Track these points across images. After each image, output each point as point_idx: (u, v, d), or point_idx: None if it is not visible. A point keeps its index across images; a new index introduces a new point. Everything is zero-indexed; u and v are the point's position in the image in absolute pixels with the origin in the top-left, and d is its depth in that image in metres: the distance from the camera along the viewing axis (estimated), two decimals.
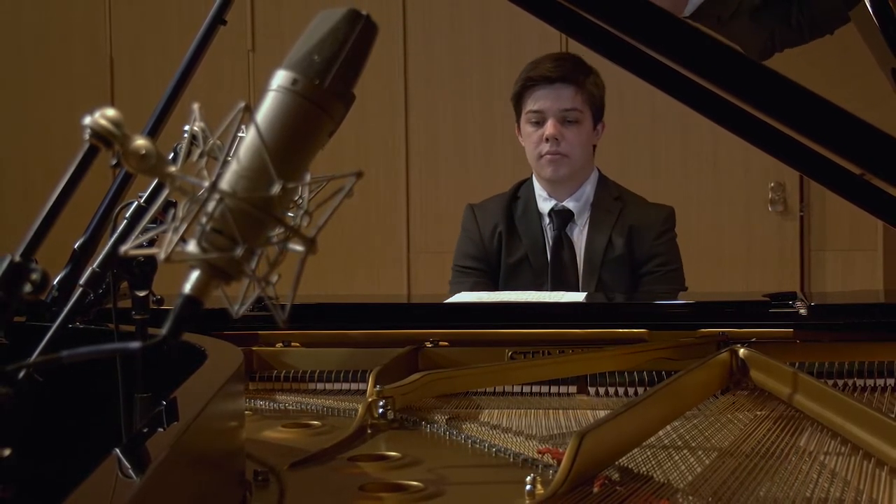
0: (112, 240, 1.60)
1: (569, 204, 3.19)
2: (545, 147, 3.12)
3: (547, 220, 3.21)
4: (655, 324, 2.28)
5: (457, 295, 2.80)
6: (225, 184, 0.86)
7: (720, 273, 5.12)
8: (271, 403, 2.07)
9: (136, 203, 1.63)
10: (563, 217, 3.19)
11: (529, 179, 3.27)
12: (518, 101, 3.19)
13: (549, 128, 3.11)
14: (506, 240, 3.22)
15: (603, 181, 3.25)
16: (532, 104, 3.14)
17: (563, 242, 3.18)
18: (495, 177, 5.30)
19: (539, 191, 3.22)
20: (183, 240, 0.85)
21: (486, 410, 1.97)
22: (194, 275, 0.86)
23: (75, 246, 1.99)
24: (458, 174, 5.48)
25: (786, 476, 1.47)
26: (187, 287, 0.86)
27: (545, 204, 3.21)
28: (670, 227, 3.22)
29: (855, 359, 2.06)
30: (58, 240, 1.19)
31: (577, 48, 4.79)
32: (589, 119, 3.15)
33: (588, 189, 3.20)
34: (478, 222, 3.27)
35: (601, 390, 2.12)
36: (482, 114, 5.43)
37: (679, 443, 1.66)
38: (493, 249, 3.24)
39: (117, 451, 1.04)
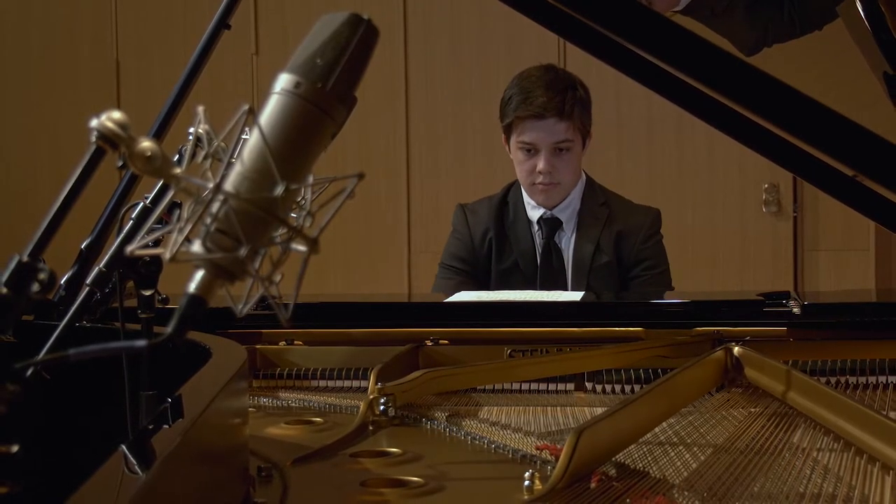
0: (118, 240, 1.60)
1: (557, 213, 3.20)
2: (538, 177, 3.12)
3: (536, 227, 3.22)
4: (652, 322, 2.30)
5: (456, 294, 2.82)
6: (229, 185, 0.87)
7: (715, 272, 5.13)
8: (274, 401, 2.09)
9: (141, 204, 1.63)
10: (551, 225, 3.20)
11: (517, 183, 3.27)
12: (508, 126, 3.16)
13: (542, 163, 3.10)
14: (496, 246, 3.23)
15: (590, 186, 3.25)
16: (523, 136, 3.11)
17: (552, 250, 3.19)
18: (494, 177, 5.28)
19: (528, 199, 3.23)
20: (188, 240, 0.85)
21: (486, 407, 1.98)
22: (199, 274, 0.86)
23: (82, 246, 2.01)
24: (457, 175, 5.49)
25: (779, 472, 1.48)
26: (192, 286, 0.86)
27: (534, 212, 3.22)
28: (656, 229, 3.23)
29: (848, 357, 2.07)
30: (65, 240, 1.20)
31: (574, 51, 4.80)
32: (579, 143, 3.14)
33: (575, 197, 3.21)
34: (469, 225, 3.28)
35: (598, 387, 2.12)
36: (481, 115, 5.43)
37: (675, 439, 1.67)
38: (482, 254, 3.25)
39: (123, 447, 1.04)
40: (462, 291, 3.00)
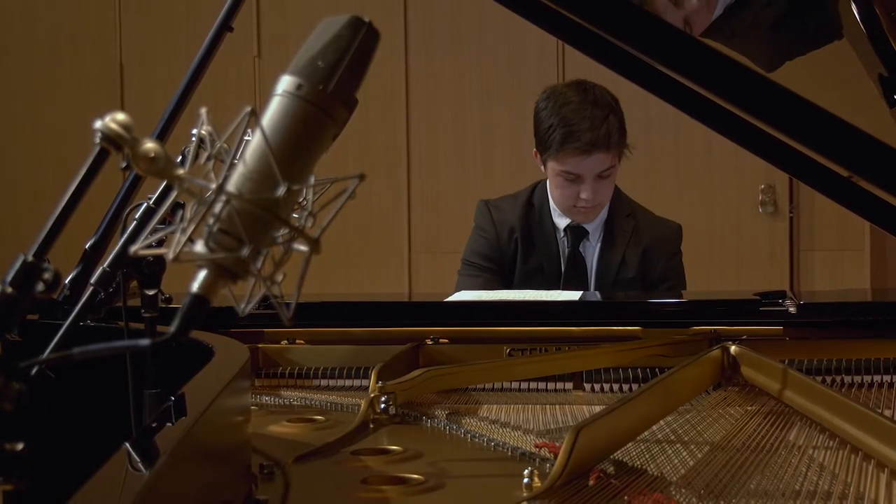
0: (122, 240, 1.60)
1: (585, 223, 3.17)
2: (581, 202, 3.08)
3: (562, 233, 3.18)
4: (649, 321, 2.31)
5: (456, 294, 2.82)
6: (232, 186, 0.87)
7: (712, 272, 5.14)
8: (276, 399, 2.10)
9: (145, 204, 1.63)
10: (577, 234, 3.17)
11: (544, 184, 3.22)
12: (551, 154, 3.07)
13: (587, 192, 3.04)
14: (522, 246, 3.20)
15: (617, 197, 3.21)
16: (568, 166, 3.04)
17: (577, 259, 3.17)
18: (495, 178, 5.33)
19: (554, 206, 3.19)
20: (191, 240, 0.85)
21: (485, 406, 1.99)
22: (202, 274, 0.86)
23: (86, 246, 2.02)
24: (458, 175, 5.50)
25: (775, 469, 1.50)
26: (195, 286, 0.86)
27: (560, 220, 3.18)
28: (678, 247, 3.22)
29: (843, 356, 2.09)
30: (69, 240, 1.21)
31: (572, 53, 4.80)
32: (618, 164, 3.10)
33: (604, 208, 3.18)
34: (494, 222, 3.23)
35: (596, 386, 2.14)
36: (481, 116, 5.45)
37: (672, 437, 1.68)
38: (508, 252, 3.21)
39: (127, 444, 1.05)
40: (491, 290, 3.00)
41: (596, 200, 3.09)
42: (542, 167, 3.16)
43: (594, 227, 3.18)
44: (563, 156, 3.03)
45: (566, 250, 3.18)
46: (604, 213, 3.18)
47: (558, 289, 3.15)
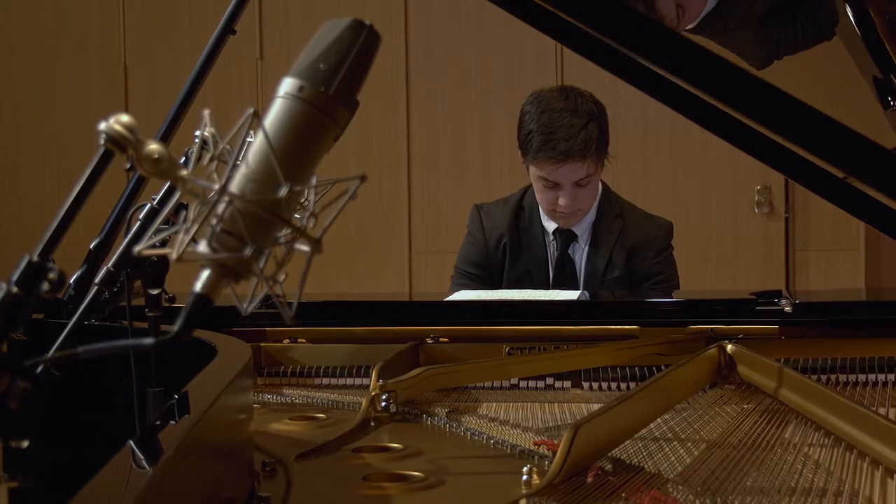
0: (126, 240, 1.61)
1: (572, 226, 3.17)
2: (559, 208, 3.07)
3: (551, 237, 3.18)
4: (647, 321, 2.32)
5: (456, 293, 2.83)
6: (234, 187, 0.87)
7: (708, 272, 5.15)
8: (278, 397, 2.11)
9: (149, 205, 1.64)
10: (566, 238, 3.17)
11: (533, 189, 3.21)
12: (529, 160, 3.07)
13: (564, 199, 3.04)
14: (510, 252, 3.20)
15: (606, 197, 3.19)
16: (544, 173, 3.03)
17: (566, 262, 3.16)
18: (494, 178, 5.34)
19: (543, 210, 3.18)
20: (194, 240, 0.86)
21: (485, 404, 2.00)
22: (205, 274, 0.87)
23: (91, 246, 2.03)
24: (457, 177, 5.51)
25: (771, 466, 1.51)
26: (198, 286, 0.87)
27: (549, 223, 3.18)
28: (667, 244, 3.20)
29: (838, 355, 2.10)
30: (74, 240, 1.22)
31: (570, 54, 4.81)
32: (599, 171, 3.09)
33: (591, 210, 3.17)
34: (484, 229, 3.23)
35: (595, 384, 2.16)
36: (481, 118, 5.46)
37: (669, 435, 1.69)
38: (497, 259, 3.21)
39: (131, 442, 1.07)
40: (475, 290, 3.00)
41: (574, 207, 3.09)
42: (527, 171, 3.15)
43: (583, 230, 3.17)
44: (538, 162, 3.03)
45: (555, 254, 3.18)
46: (592, 215, 3.17)
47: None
